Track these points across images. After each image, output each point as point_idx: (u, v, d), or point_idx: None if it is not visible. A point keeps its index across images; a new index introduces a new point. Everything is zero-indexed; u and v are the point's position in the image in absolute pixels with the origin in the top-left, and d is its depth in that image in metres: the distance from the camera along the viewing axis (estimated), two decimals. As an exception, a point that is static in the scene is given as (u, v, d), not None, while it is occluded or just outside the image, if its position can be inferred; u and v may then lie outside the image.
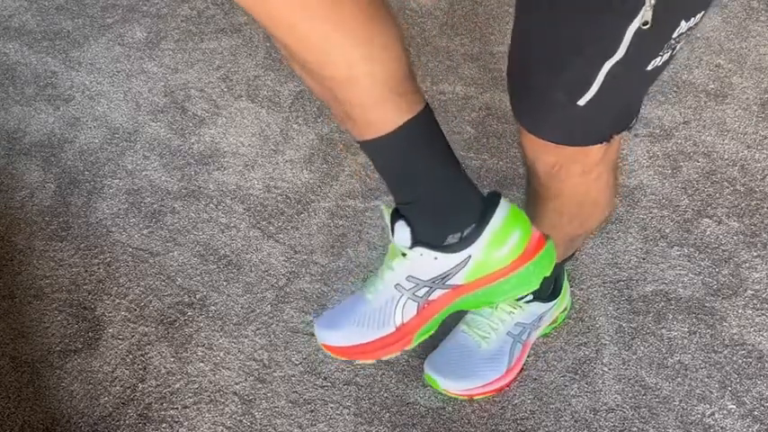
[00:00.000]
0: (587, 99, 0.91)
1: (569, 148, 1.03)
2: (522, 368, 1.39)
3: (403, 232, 0.93)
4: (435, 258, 0.93)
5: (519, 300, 1.34)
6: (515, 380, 1.38)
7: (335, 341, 1.02)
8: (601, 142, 1.02)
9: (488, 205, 0.93)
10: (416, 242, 0.93)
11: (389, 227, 0.95)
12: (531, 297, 1.34)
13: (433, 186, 0.91)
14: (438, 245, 0.93)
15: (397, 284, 0.99)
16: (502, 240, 0.93)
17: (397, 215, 0.94)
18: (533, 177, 1.14)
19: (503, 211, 0.93)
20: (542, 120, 1.01)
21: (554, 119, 0.99)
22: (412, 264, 0.95)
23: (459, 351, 1.37)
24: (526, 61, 0.97)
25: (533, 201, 1.19)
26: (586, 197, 1.15)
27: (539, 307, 1.37)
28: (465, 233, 0.92)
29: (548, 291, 1.38)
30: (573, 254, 1.36)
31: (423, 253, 0.93)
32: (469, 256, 0.93)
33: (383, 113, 0.83)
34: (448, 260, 0.93)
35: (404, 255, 0.95)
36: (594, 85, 0.90)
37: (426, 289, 0.98)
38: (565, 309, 1.45)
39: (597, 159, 1.06)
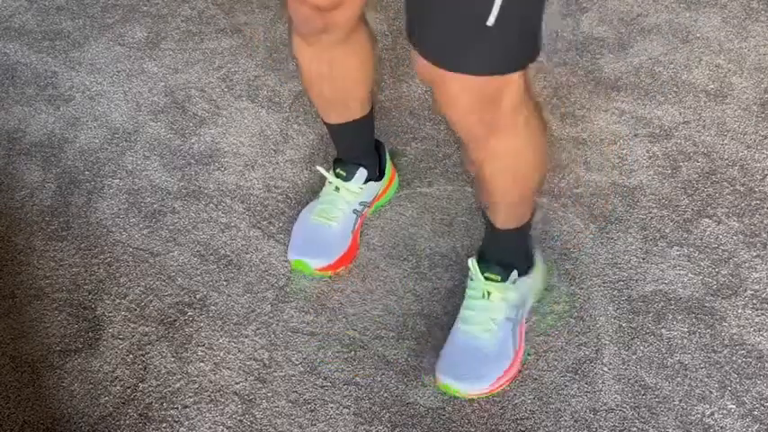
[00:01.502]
0: (494, 16, 0.98)
1: (485, 90, 1.07)
2: (523, 353, 1.41)
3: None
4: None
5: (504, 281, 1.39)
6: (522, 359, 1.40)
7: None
8: (516, 69, 1.07)
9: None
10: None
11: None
12: (516, 275, 1.38)
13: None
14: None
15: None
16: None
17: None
18: (467, 152, 1.25)
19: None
20: (459, 53, 1.04)
21: (471, 48, 1.03)
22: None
23: (469, 352, 1.36)
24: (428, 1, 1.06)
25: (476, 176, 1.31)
26: (520, 155, 1.22)
27: (524, 283, 1.40)
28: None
29: (524, 264, 1.41)
30: (530, 220, 1.39)
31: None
32: None
33: None
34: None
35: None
36: (496, 1, 0.97)
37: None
38: (546, 287, 1.49)
39: (517, 100, 1.11)
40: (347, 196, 1.54)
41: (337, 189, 1.54)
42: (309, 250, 1.53)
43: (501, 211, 1.33)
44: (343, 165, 1.54)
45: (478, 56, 1.03)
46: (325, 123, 1.53)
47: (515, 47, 1.05)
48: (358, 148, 1.56)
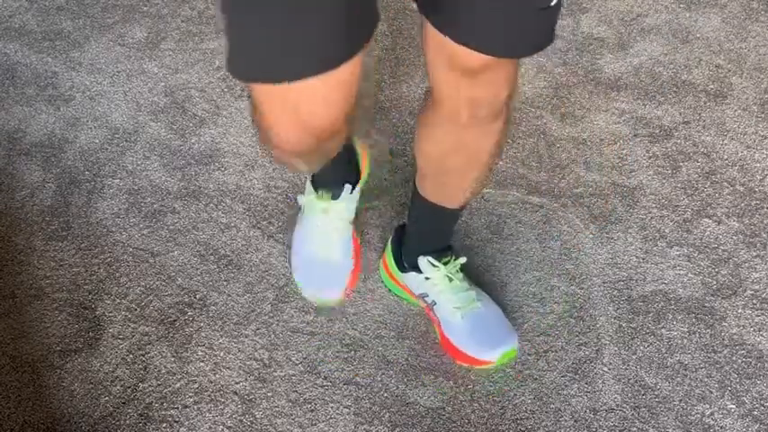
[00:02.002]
0: None
1: (508, 68, 1.05)
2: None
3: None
4: None
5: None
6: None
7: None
8: (552, 41, 1.04)
9: None
10: None
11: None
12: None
13: None
14: None
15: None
16: None
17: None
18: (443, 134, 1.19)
19: None
20: (519, 38, 1.00)
21: (528, 30, 1.00)
22: None
23: (490, 315, 1.42)
24: None
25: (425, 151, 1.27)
26: (504, 136, 1.20)
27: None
28: None
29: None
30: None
31: None
32: None
33: None
34: None
35: None
36: None
37: None
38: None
39: (515, 83, 1.09)
40: (338, 213, 1.48)
41: (326, 210, 1.47)
42: (325, 285, 1.48)
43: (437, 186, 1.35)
44: (326, 187, 1.46)
45: (533, 36, 1.00)
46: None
47: (555, 20, 1.02)
48: (341, 171, 1.48)
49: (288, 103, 0.93)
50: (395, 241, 1.50)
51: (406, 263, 1.46)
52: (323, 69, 0.88)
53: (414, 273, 1.44)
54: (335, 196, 1.46)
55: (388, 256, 1.50)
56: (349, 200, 1.47)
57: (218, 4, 0.89)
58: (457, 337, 1.40)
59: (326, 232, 1.48)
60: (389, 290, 1.52)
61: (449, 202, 1.34)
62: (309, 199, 1.48)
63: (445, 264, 1.42)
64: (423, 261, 1.42)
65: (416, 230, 1.45)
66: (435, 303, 1.43)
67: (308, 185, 1.49)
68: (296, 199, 1.59)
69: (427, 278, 1.42)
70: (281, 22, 0.86)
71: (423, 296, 1.44)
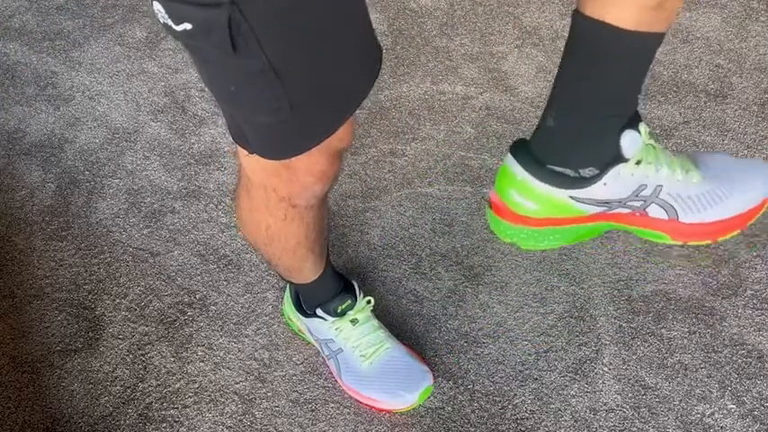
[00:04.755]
0: None
1: None
2: None
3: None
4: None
5: None
6: None
7: None
8: None
9: None
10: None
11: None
12: None
13: None
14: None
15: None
16: None
17: None
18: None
19: None
20: None
21: None
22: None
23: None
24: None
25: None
26: None
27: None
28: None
29: None
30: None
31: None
32: None
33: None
34: None
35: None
36: None
37: None
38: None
39: None
40: (366, 311, 1.39)
41: (354, 321, 1.37)
42: (413, 381, 1.37)
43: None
44: (338, 301, 1.35)
45: None
46: (298, 285, 1.35)
47: None
48: (334, 280, 1.37)
49: (322, 147, 0.95)
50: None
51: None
52: (362, 100, 0.93)
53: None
54: (352, 304, 1.36)
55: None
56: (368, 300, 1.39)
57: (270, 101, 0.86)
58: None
59: (376, 336, 1.37)
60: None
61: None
62: (330, 327, 1.36)
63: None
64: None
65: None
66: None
67: (314, 326, 1.39)
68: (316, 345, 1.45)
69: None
70: (335, 75, 0.88)
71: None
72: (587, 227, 0.91)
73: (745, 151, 1.71)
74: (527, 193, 0.87)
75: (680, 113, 1.79)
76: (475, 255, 1.56)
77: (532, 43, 1.94)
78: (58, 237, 1.63)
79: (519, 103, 1.81)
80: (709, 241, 0.94)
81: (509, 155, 0.89)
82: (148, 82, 1.91)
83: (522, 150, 0.87)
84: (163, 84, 1.91)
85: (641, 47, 0.79)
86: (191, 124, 1.82)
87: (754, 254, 1.55)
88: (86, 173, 1.74)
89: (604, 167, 0.85)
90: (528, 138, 0.89)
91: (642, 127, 0.85)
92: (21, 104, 1.88)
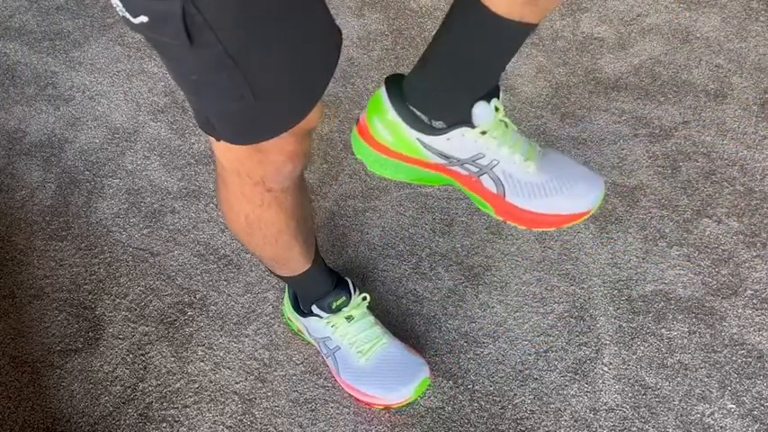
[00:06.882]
0: None
1: None
2: None
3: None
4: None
5: None
6: None
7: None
8: None
9: None
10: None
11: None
12: None
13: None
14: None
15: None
16: None
17: None
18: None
19: None
20: None
21: None
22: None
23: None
24: None
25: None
26: None
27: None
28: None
29: None
30: None
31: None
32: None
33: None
34: None
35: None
36: None
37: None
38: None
39: None
40: (362, 308, 1.39)
41: (350, 318, 1.37)
42: (409, 376, 1.37)
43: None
44: (332, 297, 1.36)
45: None
46: (290, 281, 1.36)
47: None
48: (325, 277, 1.38)
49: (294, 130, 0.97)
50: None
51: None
52: (326, 85, 0.96)
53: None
54: (347, 300, 1.36)
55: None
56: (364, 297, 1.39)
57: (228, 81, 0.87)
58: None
59: (372, 331, 1.38)
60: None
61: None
62: (326, 324, 1.37)
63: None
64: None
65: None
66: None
67: (311, 326, 1.39)
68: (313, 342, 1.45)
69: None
70: (296, 61, 0.89)
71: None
72: (428, 173, 1.01)
73: (745, 151, 1.71)
74: (386, 124, 0.97)
75: (680, 113, 1.79)
76: (475, 255, 1.56)
77: (532, 43, 1.94)
78: (58, 237, 1.63)
79: (519, 103, 1.81)
80: (524, 227, 1.03)
81: (383, 85, 0.97)
82: (148, 82, 1.91)
83: (394, 85, 0.96)
84: (163, 84, 1.91)
85: (510, 34, 0.87)
86: (191, 124, 1.82)
87: (754, 254, 1.55)
88: (86, 173, 1.74)
89: (452, 125, 0.94)
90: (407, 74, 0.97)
91: (497, 103, 0.95)
92: (21, 104, 1.88)
